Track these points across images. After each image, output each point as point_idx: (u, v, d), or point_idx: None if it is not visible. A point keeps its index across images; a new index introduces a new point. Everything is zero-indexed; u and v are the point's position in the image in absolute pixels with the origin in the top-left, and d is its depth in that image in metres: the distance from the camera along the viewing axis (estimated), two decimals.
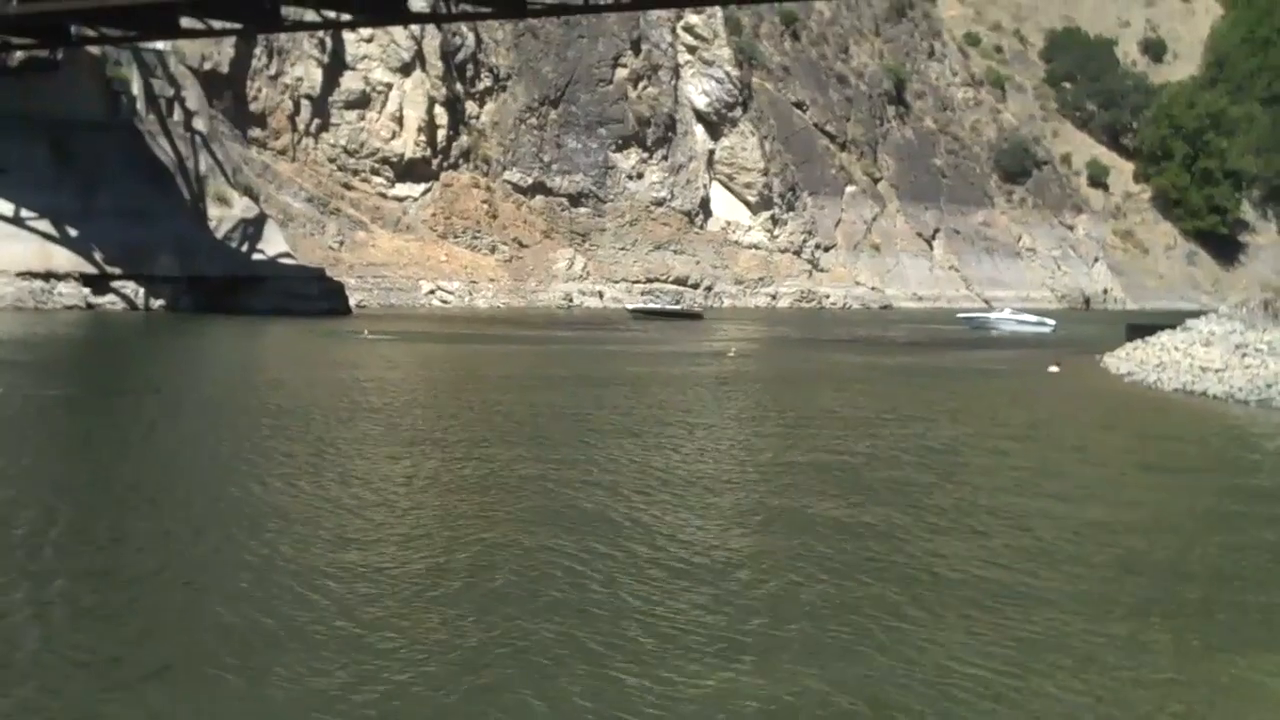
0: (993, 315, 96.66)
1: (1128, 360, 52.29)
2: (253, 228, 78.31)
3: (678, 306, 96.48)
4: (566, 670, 11.43)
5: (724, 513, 18.81)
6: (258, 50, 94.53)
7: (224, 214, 77.18)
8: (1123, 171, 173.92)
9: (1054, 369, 51.09)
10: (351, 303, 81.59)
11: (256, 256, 77.05)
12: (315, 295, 76.20)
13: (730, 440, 27.11)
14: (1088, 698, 11.22)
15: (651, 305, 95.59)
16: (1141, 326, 60.06)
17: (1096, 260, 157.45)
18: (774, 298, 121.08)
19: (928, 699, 11.00)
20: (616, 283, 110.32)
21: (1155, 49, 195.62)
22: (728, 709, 10.71)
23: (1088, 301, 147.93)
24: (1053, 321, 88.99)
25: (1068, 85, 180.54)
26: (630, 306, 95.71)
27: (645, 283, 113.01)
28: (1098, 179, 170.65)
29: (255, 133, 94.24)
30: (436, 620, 12.81)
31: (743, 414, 33.00)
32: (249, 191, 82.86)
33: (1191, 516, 20.16)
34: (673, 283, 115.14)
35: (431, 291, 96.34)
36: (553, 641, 12.20)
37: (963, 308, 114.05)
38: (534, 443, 25.33)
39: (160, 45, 77.53)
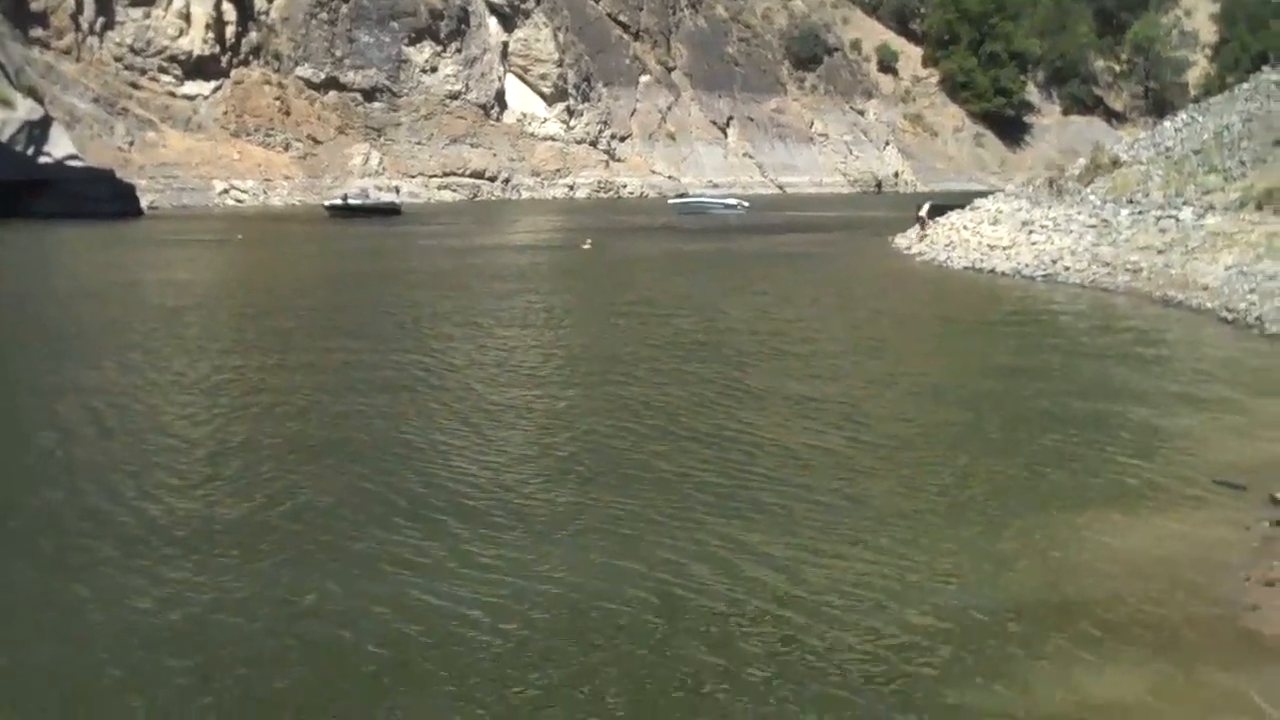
0: (703, 199, 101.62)
1: (919, 241, 53.79)
2: (38, 130, 76.60)
3: (372, 201, 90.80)
4: None
5: None
6: None
7: (7, 117, 75.32)
8: (911, 56, 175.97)
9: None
10: (143, 204, 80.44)
11: (43, 159, 75.49)
12: (105, 198, 75.13)
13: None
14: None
15: (352, 202, 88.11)
16: (932, 207, 61.60)
17: (887, 144, 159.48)
18: (572, 189, 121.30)
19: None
20: (413, 177, 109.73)
21: None
22: None
23: (879, 185, 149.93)
24: (747, 203, 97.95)
25: None
26: (326, 204, 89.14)
27: (442, 176, 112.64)
28: (887, 64, 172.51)
29: (37, 32, 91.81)
30: None
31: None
32: (33, 93, 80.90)
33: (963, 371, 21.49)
34: (470, 176, 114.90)
35: (225, 191, 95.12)
36: None
37: (677, 191, 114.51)
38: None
39: None
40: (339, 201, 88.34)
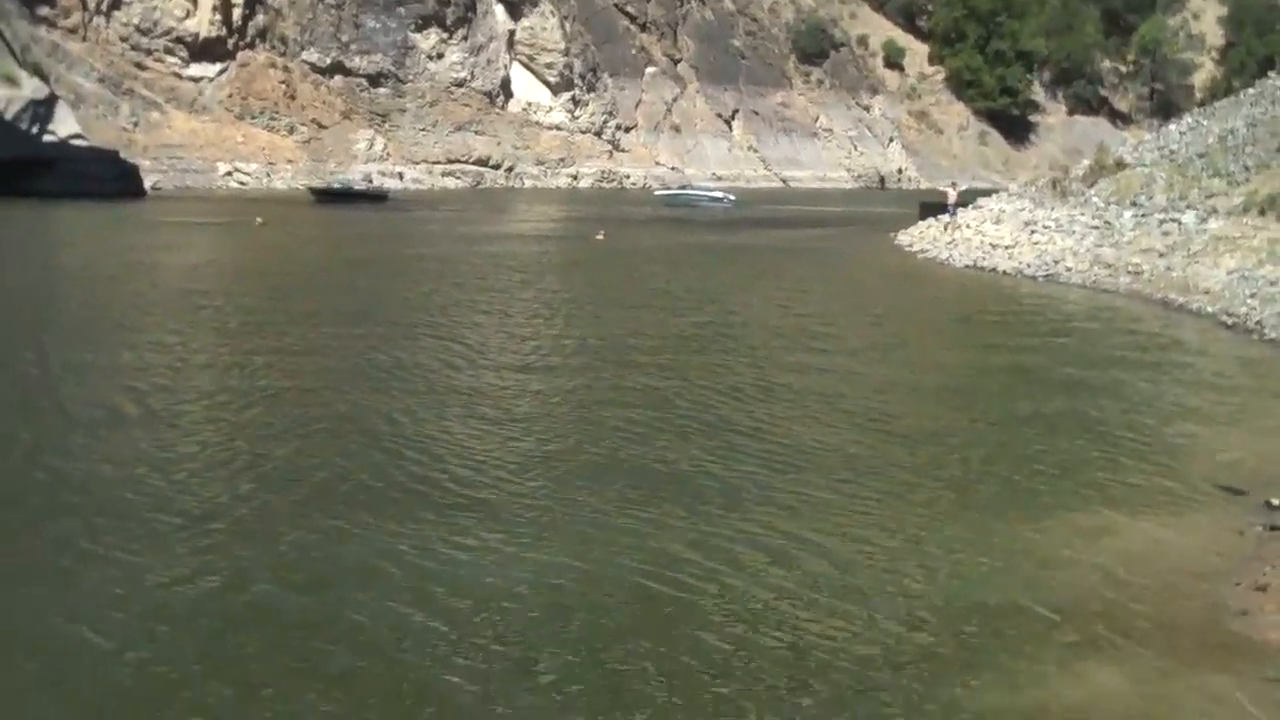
0: (691, 192, 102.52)
1: (921, 238, 53.77)
2: (43, 109, 76.45)
3: (361, 187, 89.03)
4: None
5: None
6: None
7: (12, 95, 75.13)
8: (918, 53, 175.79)
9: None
10: (146, 185, 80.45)
11: (47, 138, 75.31)
12: (108, 178, 74.99)
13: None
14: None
15: (335, 186, 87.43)
16: (934, 205, 61.48)
17: (891, 140, 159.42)
18: (575, 178, 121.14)
19: None
20: (417, 164, 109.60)
21: None
22: None
23: (883, 181, 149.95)
24: (733, 197, 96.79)
25: None
26: (311, 187, 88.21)
27: (446, 163, 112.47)
28: (893, 60, 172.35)
29: (44, 11, 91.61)
30: None
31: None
32: (38, 71, 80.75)
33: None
34: (474, 163, 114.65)
35: (229, 173, 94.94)
36: None
37: (666, 185, 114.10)
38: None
39: None
40: (324, 185, 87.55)
